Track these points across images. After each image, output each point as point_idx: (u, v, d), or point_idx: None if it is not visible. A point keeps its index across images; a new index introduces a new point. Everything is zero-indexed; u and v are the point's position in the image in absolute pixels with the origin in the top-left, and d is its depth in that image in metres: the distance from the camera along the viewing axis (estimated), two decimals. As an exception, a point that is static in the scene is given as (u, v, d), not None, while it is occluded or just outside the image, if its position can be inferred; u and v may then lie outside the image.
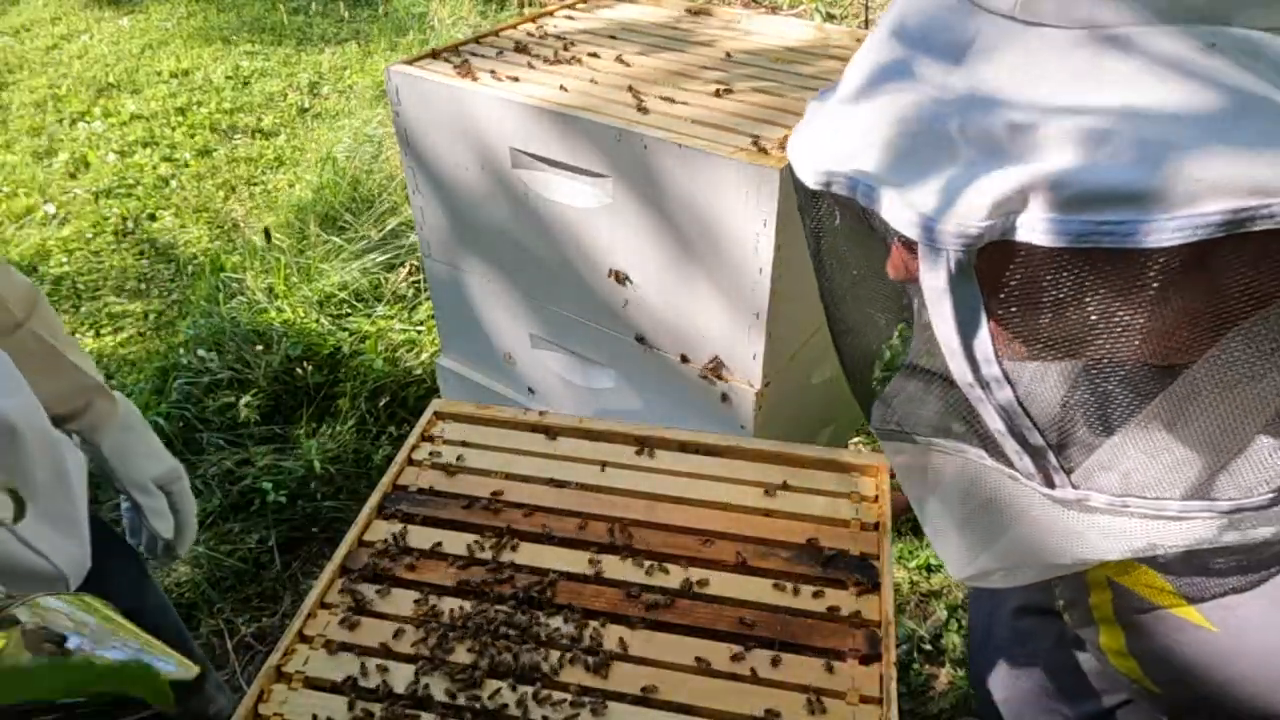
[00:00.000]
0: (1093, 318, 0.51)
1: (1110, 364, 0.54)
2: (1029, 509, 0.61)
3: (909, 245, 0.52)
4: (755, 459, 1.09)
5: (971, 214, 0.47)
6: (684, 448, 1.11)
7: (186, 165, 3.80)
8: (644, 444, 1.11)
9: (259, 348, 2.51)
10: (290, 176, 3.67)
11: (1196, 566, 0.61)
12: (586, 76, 1.46)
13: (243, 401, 2.34)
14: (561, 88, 1.40)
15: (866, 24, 3.73)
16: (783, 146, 1.20)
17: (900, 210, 0.50)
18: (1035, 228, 0.46)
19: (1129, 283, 0.48)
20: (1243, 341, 0.48)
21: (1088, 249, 0.46)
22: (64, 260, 3.17)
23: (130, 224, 3.40)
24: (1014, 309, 0.53)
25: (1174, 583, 0.63)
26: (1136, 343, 0.51)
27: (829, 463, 1.08)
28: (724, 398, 1.42)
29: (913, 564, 2.04)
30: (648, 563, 0.95)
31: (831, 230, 0.65)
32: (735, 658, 0.85)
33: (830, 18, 4.36)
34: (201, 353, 2.49)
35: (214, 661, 1.86)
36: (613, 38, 1.65)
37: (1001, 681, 0.99)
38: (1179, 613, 0.63)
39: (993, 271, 0.51)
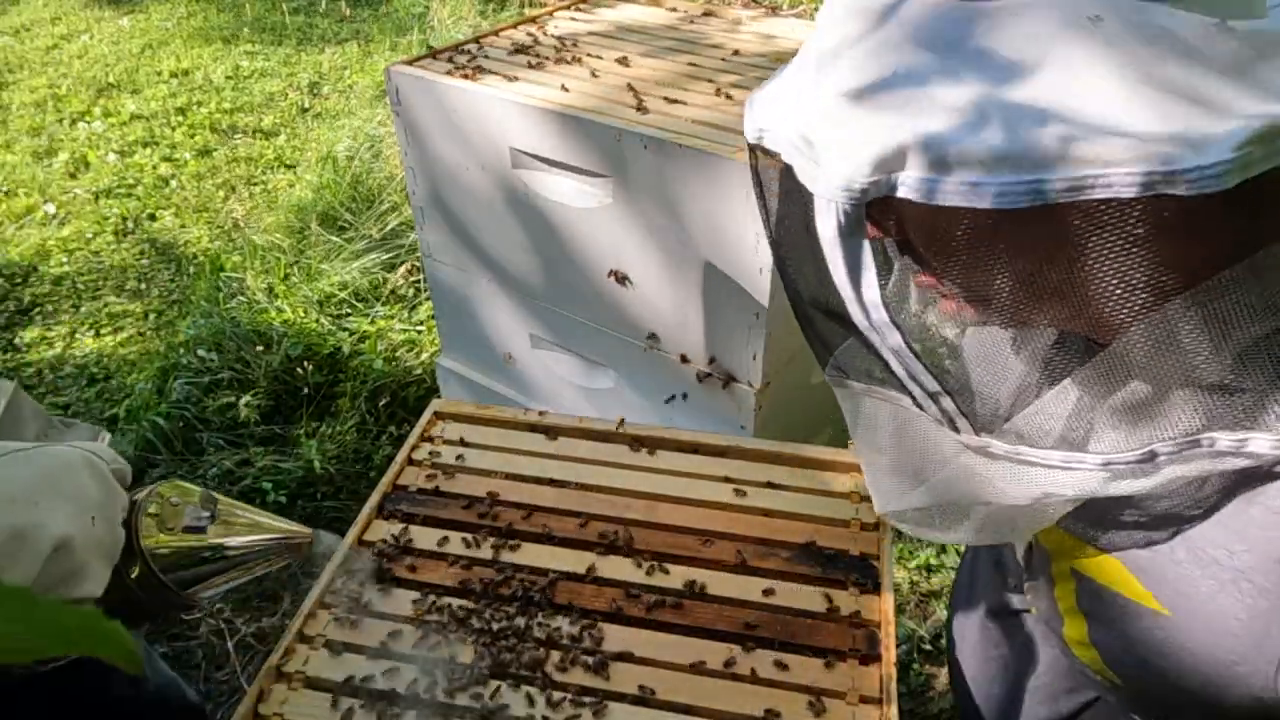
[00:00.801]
0: (967, 272, 0.55)
1: (993, 320, 0.57)
2: (946, 453, 0.65)
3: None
4: (755, 459, 1.09)
5: (858, 171, 0.51)
6: (684, 448, 1.11)
7: (186, 165, 3.80)
8: (644, 444, 1.11)
9: (259, 348, 2.51)
10: (290, 176, 3.67)
11: (1108, 520, 0.64)
12: (587, 76, 1.46)
13: (243, 401, 2.34)
14: (562, 88, 1.40)
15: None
16: (783, 146, 1.21)
17: (802, 164, 0.55)
18: (910, 185, 0.50)
19: (1001, 240, 0.52)
20: (1107, 305, 0.52)
21: (955, 208, 0.50)
22: (64, 260, 3.17)
23: (130, 224, 3.40)
24: (902, 259, 0.58)
25: (1094, 536, 0.65)
26: (1009, 302, 0.55)
27: (829, 463, 1.08)
28: (724, 398, 1.42)
29: (913, 564, 2.04)
30: (648, 563, 0.95)
31: (767, 186, 0.69)
32: (735, 658, 0.85)
33: (830, 18, 4.35)
34: (201, 353, 2.49)
35: (213, 662, 1.86)
36: (613, 38, 1.65)
37: (977, 685, 1.01)
38: (1136, 599, 0.65)
39: (886, 222, 0.56)
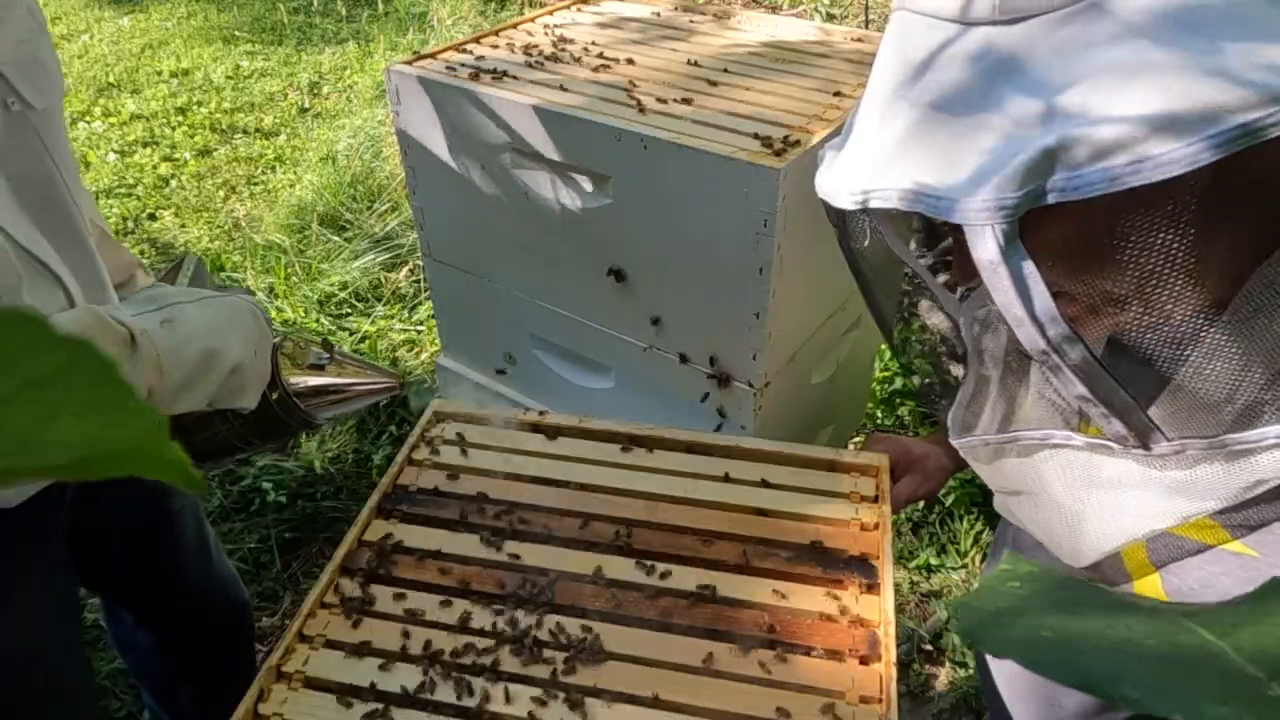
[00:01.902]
0: (1139, 261, 0.55)
1: (1166, 307, 0.57)
2: (1126, 479, 0.64)
3: (956, 235, 0.57)
4: (755, 459, 1.09)
5: (1005, 186, 0.52)
6: (684, 448, 1.11)
7: (186, 165, 3.80)
8: (644, 444, 1.11)
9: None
10: (290, 176, 3.67)
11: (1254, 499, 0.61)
12: (586, 76, 1.46)
13: (243, 401, 2.34)
14: (562, 88, 1.40)
15: (867, 24, 3.73)
16: (784, 146, 1.21)
17: (940, 202, 0.55)
18: (1062, 187, 0.51)
19: (1161, 220, 0.53)
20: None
21: (1116, 194, 0.50)
22: (64, 260, 3.17)
23: (130, 224, 3.40)
24: (1068, 268, 0.57)
25: (1223, 520, 0.64)
26: (1183, 279, 0.54)
27: (829, 463, 1.08)
28: (724, 398, 1.42)
29: (913, 564, 2.04)
30: (648, 563, 0.95)
31: (881, 251, 0.71)
32: (735, 658, 0.85)
33: (830, 18, 4.36)
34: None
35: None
36: (613, 37, 1.65)
37: (1021, 683, 0.98)
38: (1214, 541, 0.64)
39: (1042, 238, 0.55)
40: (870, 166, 0.61)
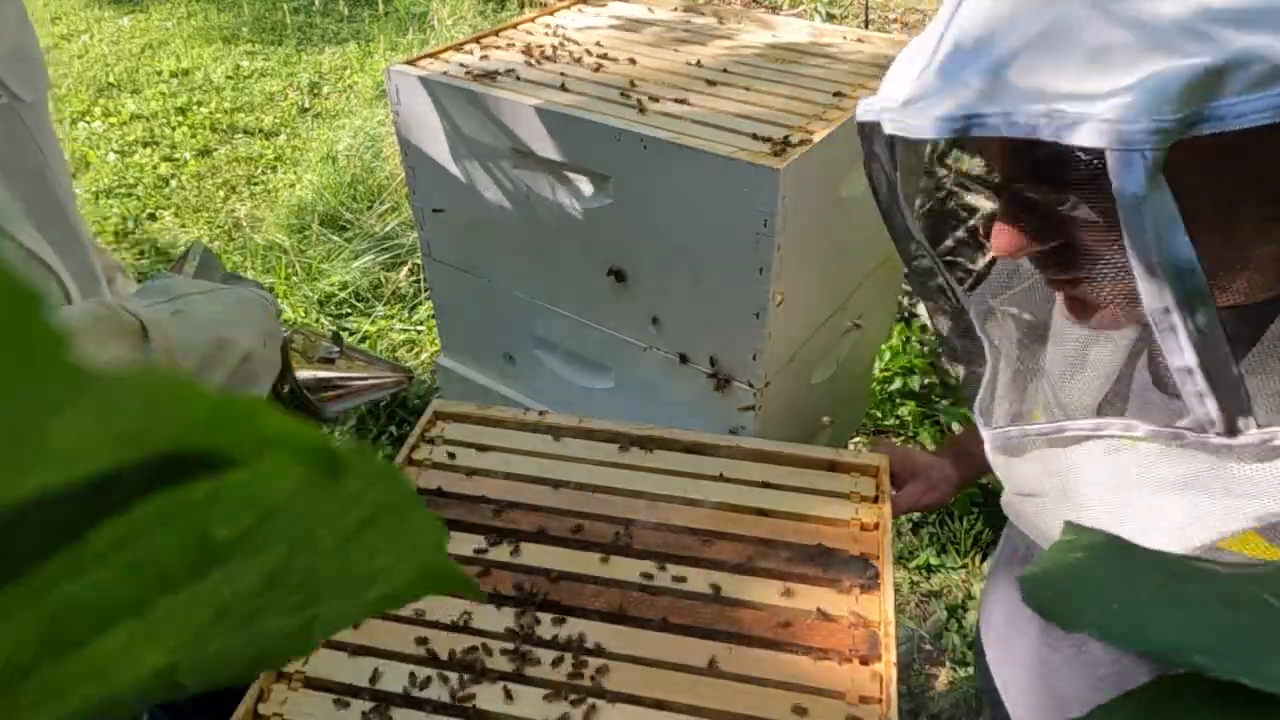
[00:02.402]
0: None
1: None
2: (1185, 478, 0.58)
3: (1078, 169, 0.49)
4: (755, 459, 1.09)
5: (1163, 107, 0.44)
6: (684, 448, 1.11)
7: (186, 165, 3.80)
8: (644, 444, 1.11)
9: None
10: (290, 176, 3.67)
11: None
12: (586, 76, 1.46)
13: (243, 401, 2.34)
14: (562, 88, 1.40)
15: (867, 24, 3.73)
16: (784, 146, 1.20)
17: (1077, 123, 0.47)
18: (1232, 111, 0.44)
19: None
20: None
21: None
22: (64, 260, 3.17)
23: (131, 224, 3.40)
24: (1208, 216, 0.50)
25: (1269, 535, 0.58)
26: None
27: (829, 463, 1.08)
28: (724, 398, 1.42)
29: (913, 564, 2.04)
30: (648, 563, 0.95)
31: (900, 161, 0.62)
32: (736, 658, 0.85)
33: (830, 18, 4.36)
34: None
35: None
36: (613, 37, 1.65)
37: (1024, 684, 0.95)
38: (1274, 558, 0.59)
39: (1185, 177, 0.48)
40: (975, 87, 0.51)
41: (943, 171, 0.72)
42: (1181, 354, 0.51)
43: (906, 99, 0.55)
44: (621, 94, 1.39)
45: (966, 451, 1.16)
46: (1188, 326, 0.50)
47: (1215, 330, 0.50)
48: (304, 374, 1.10)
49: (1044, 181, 0.55)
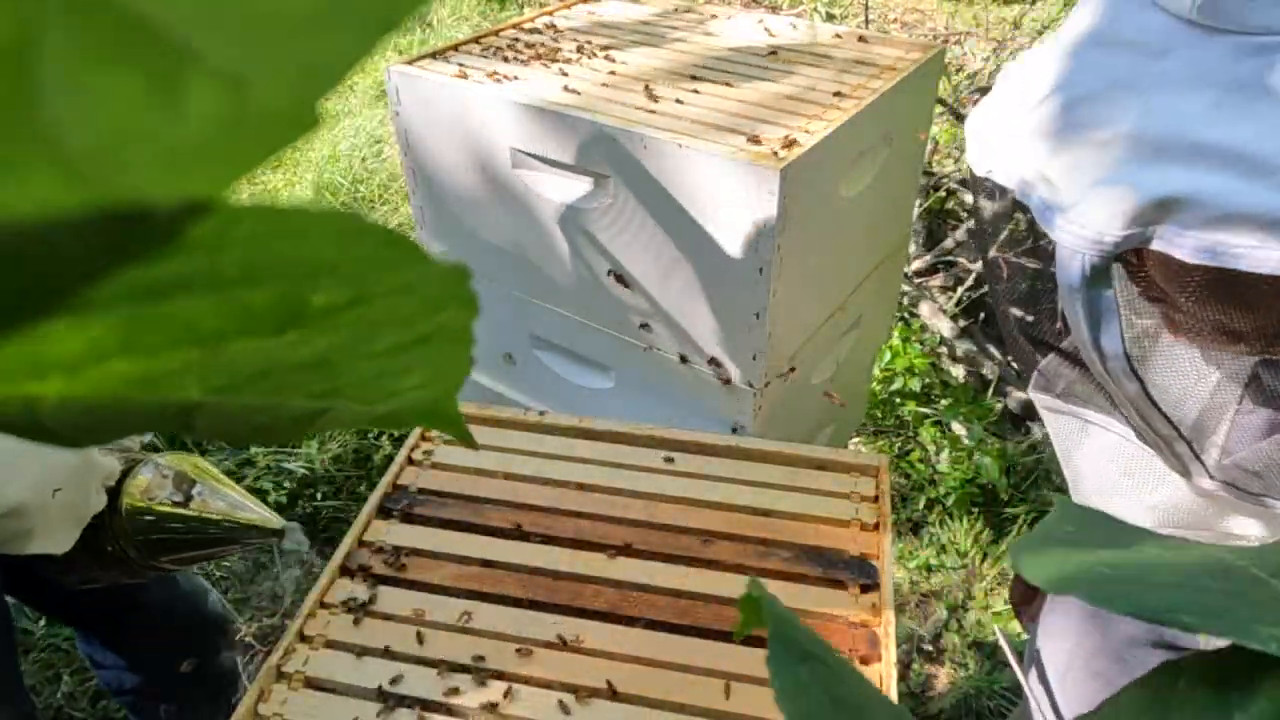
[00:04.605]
0: (1211, 326, 0.52)
1: (1255, 372, 0.54)
2: (1163, 486, 0.63)
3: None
4: (755, 459, 1.09)
5: (1111, 224, 0.48)
6: (684, 448, 1.11)
7: (187, 165, 3.81)
8: (644, 444, 1.11)
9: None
10: (290, 176, 3.67)
11: None
12: (587, 76, 1.46)
13: (243, 401, 2.34)
14: (564, 88, 1.40)
15: (866, 23, 3.73)
16: (784, 146, 1.21)
17: (1046, 211, 0.52)
18: (1171, 241, 0.47)
19: (1262, 300, 0.49)
20: None
21: (1219, 267, 0.46)
22: (64, 260, 3.17)
23: (130, 224, 3.40)
24: (1149, 308, 0.54)
25: None
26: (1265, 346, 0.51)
27: (829, 463, 1.08)
28: (724, 398, 1.42)
29: (913, 564, 2.04)
30: (648, 563, 0.95)
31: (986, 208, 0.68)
32: (736, 658, 0.85)
33: (830, 17, 4.36)
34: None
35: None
36: (613, 37, 1.65)
37: (1070, 658, 0.93)
38: None
39: (1135, 269, 0.52)
40: (1012, 140, 0.56)
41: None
42: (1125, 406, 0.57)
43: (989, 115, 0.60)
44: (622, 94, 1.39)
45: None
46: (1122, 390, 0.55)
47: (1142, 400, 0.55)
48: (146, 515, 0.97)
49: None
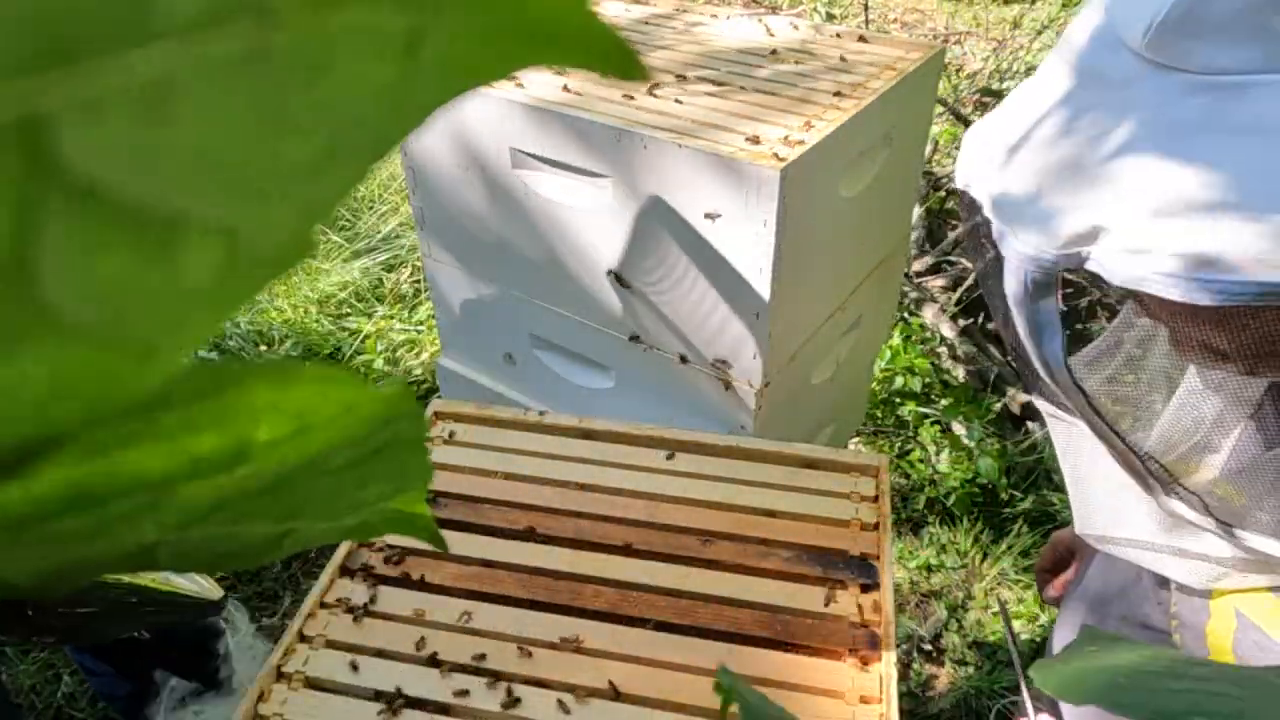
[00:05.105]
0: (1146, 347, 0.55)
1: (1197, 391, 0.57)
2: (1137, 495, 0.65)
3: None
4: (755, 459, 1.09)
5: (1049, 243, 0.52)
6: (684, 447, 1.11)
7: (187, 165, 3.81)
8: (644, 444, 1.11)
9: (260, 347, 2.51)
10: (290, 176, 3.67)
11: None
12: (586, 76, 1.46)
13: (243, 401, 2.34)
14: (564, 88, 1.40)
15: (866, 23, 3.73)
16: (784, 146, 1.21)
17: (997, 223, 0.56)
18: (1102, 263, 0.51)
19: (1188, 325, 0.52)
20: None
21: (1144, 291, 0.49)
22: (64, 260, 3.17)
23: (130, 224, 3.40)
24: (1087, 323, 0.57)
25: None
26: (1216, 374, 0.55)
27: (829, 463, 1.08)
28: (724, 398, 1.42)
29: (913, 564, 2.04)
30: (648, 563, 0.95)
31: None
32: (735, 658, 0.85)
33: (830, 18, 4.36)
34: (202, 353, 2.49)
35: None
36: (613, 38, 1.65)
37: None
38: None
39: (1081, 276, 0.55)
40: (986, 164, 0.60)
41: None
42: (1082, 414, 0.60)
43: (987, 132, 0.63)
44: (621, 94, 1.39)
45: None
46: (1068, 400, 0.58)
47: (1088, 411, 0.58)
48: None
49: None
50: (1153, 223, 0.48)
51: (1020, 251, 0.54)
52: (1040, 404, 0.74)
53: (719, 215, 1.23)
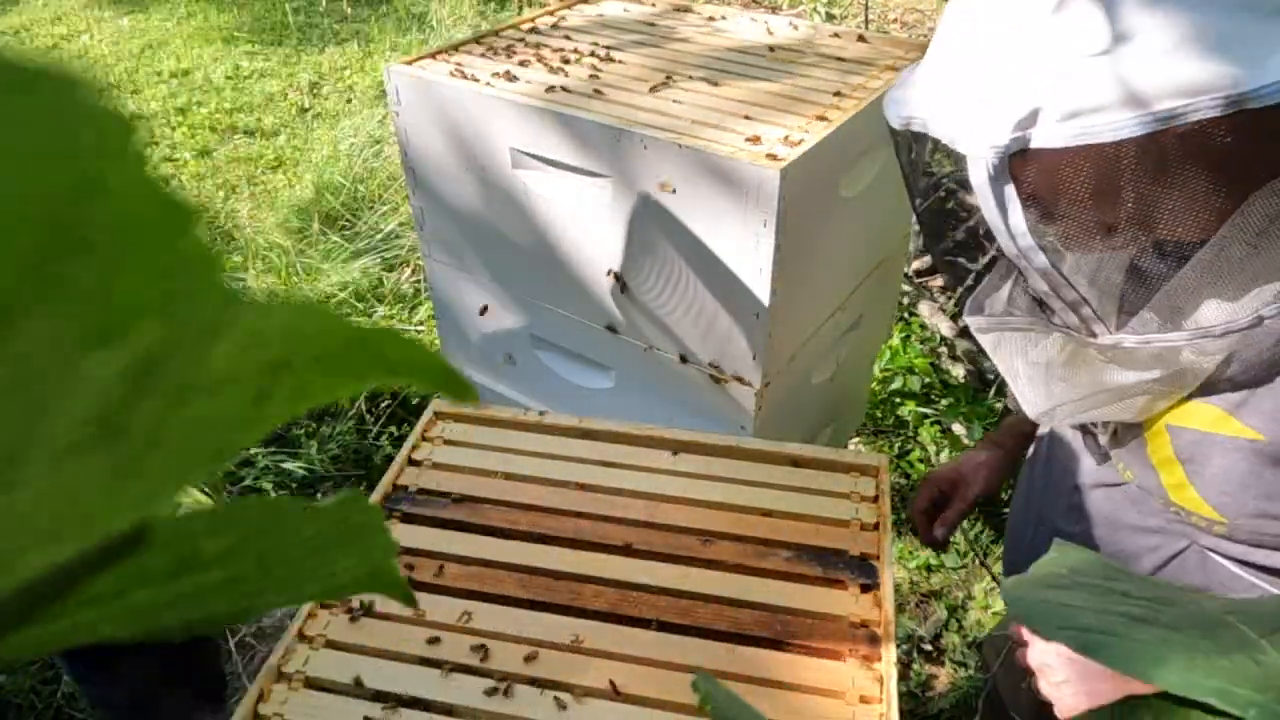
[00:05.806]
0: (1098, 199, 0.67)
1: (1124, 236, 0.69)
2: (1083, 356, 0.77)
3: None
4: (755, 459, 1.09)
5: (1000, 132, 0.66)
6: (684, 448, 1.11)
7: (186, 165, 3.80)
8: (644, 444, 1.11)
9: (259, 348, 2.51)
10: (290, 176, 3.67)
11: (1226, 380, 0.74)
12: (586, 76, 1.46)
13: (243, 401, 2.34)
14: (563, 88, 1.40)
15: (866, 23, 3.73)
16: (784, 146, 1.21)
17: (950, 134, 0.70)
18: (1044, 137, 0.65)
19: (1123, 168, 0.65)
20: (1203, 206, 0.65)
21: (1081, 146, 0.64)
22: (64, 260, 3.17)
23: (130, 224, 3.40)
24: (1043, 195, 0.70)
25: (1215, 401, 0.75)
26: (1138, 217, 0.67)
27: (829, 463, 1.08)
28: (724, 398, 1.42)
29: (913, 564, 2.04)
30: (648, 563, 0.95)
31: (914, 158, 0.85)
32: (735, 658, 0.85)
33: (830, 18, 4.36)
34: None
35: (214, 662, 1.86)
36: (612, 37, 1.65)
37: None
38: (1230, 433, 0.75)
39: (1027, 167, 0.68)
40: (920, 93, 0.74)
41: None
42: (1038, 282, 0.73)
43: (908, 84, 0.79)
44: (621, 93, 1.39)
45: (994, 435, 1.23)
46: (1033, 267, 0.72)
47: (1050, 271, 0.71)
48: None
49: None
50: (1068, 94, 0.62)
51: (978, 145, 0.66)
52: (972, 320, 0.85)
53: (674, 190, 1.24)
